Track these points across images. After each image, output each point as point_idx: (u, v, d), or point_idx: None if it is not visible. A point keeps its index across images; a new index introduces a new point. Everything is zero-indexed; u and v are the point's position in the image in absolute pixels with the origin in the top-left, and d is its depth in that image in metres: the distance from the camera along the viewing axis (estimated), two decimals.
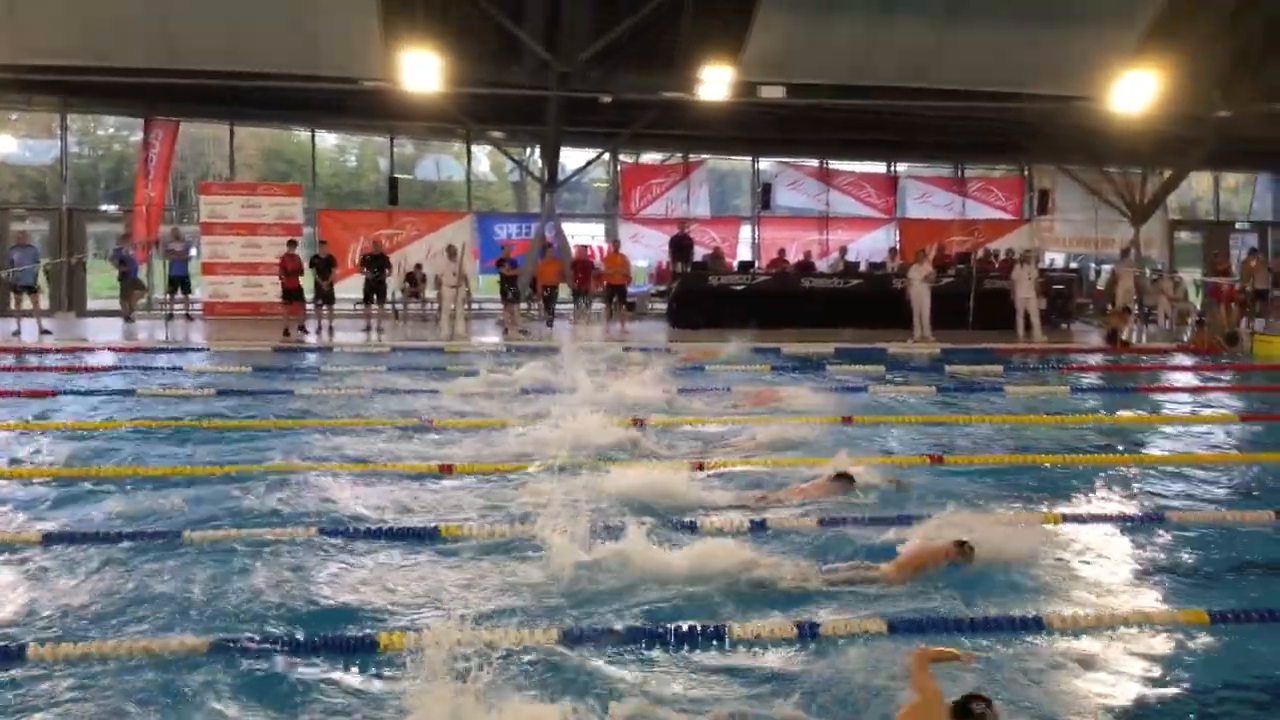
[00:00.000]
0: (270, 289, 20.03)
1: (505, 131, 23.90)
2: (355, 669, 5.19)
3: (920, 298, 18.83)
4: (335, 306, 19.19)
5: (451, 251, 19.09)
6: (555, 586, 6.22)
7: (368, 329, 19.33)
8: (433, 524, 7.34)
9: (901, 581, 6.29)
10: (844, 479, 8.17)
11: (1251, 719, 5.13)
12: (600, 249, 23.42)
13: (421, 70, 18.42)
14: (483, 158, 28.26)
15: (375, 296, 19.51)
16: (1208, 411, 13.10)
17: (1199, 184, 26.99)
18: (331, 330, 18.92)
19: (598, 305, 21.47)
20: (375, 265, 19.58)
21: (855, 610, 5.97)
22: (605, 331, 19.40)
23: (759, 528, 7.38)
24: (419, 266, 22.08)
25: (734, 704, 4.92)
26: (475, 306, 20.31)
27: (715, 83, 19.03)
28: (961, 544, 6.48)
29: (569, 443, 9.32)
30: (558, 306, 21.25)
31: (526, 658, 5.26)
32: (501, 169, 28.83)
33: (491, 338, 18.87)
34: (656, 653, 5.44)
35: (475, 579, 6.42)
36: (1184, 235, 26.97)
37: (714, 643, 5.55)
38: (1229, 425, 12.10)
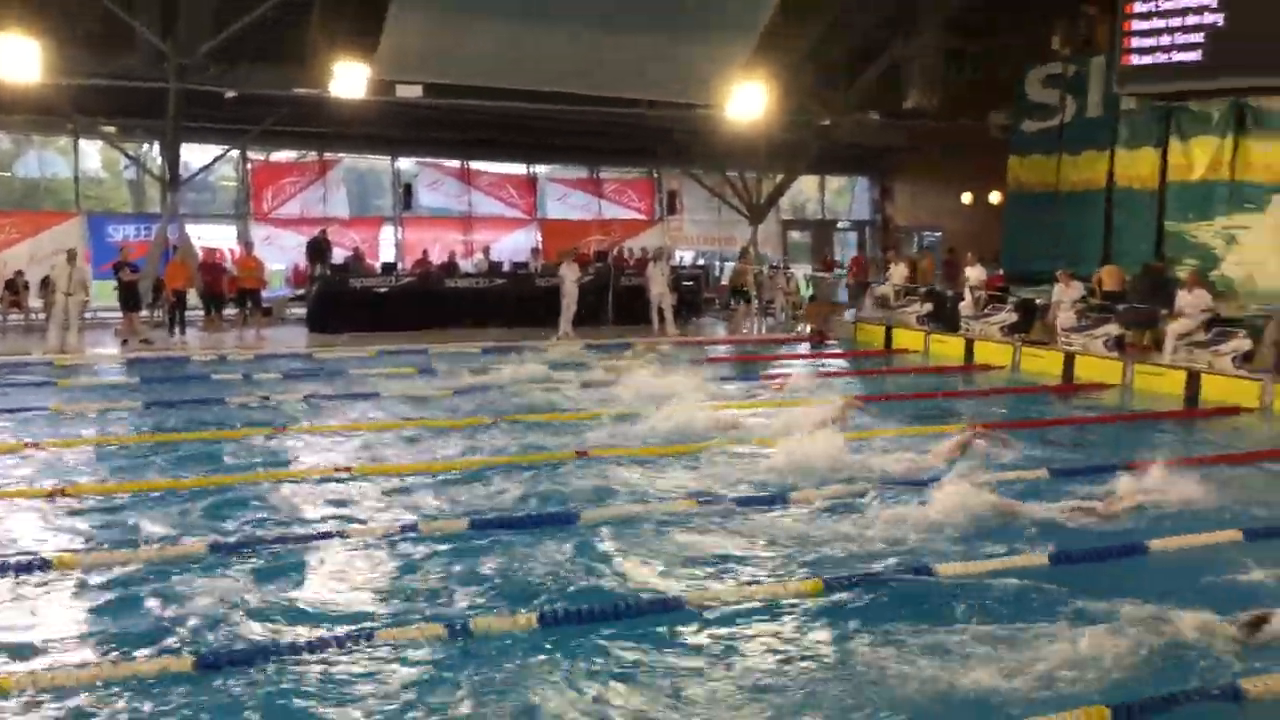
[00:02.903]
0: None
1: (119, 125, 22.13)
2: None
3: (571, 295, 19.43)
4: None
5: (71, 255, 17.45)
6: None
7: None
8: None
9: None
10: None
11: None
12: (231, 251, 22.24)
13: (18, 57, 16.65)
14: (93, 154, 25.93)
15: None
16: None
17: (807, 186, 29.48)
18: None
19: (230, 311, 20.37)
20: None
21: None
22: (239, 338, 18.46)
23: None
24: (20, 273, 20.04)
25: None
26: (90, 315, 18.64)
27: (349, 80, 18.58)
28: None
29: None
30: (187, 313, 19.92)
31: None
32: (115, 166, 26.56)
33: (109, 349, 17.46)
34: None
35: None
36: (795, 234, 29.41)
37: None
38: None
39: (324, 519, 8.20)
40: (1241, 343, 15.03)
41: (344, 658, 5.68)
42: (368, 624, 6.13)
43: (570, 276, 19.61)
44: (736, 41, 19.51)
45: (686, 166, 25.99)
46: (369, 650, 5.75)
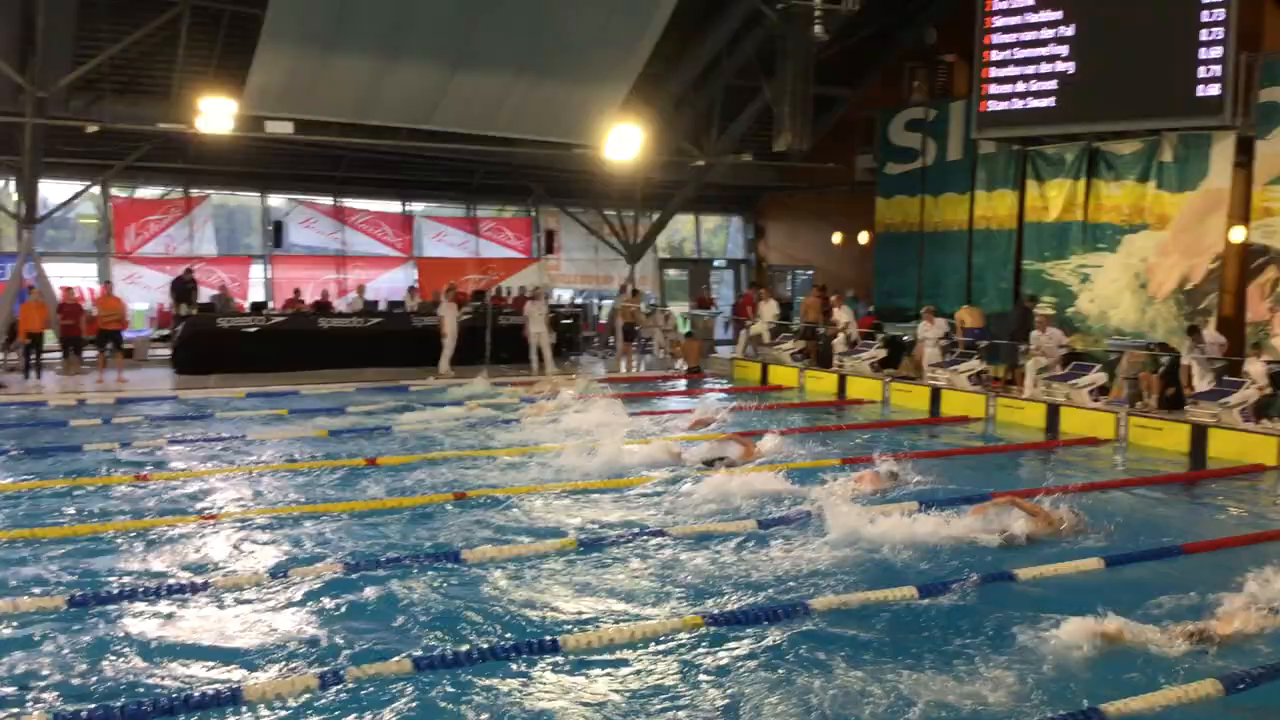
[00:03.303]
0: None
1: None
2: None
3: (452, 334, 19.28)
4: None
5: None
6: None
7: None
8: None
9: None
10: (893, 475, 10.57)
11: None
12: (91, 291, 21.41)
13: None
14: None
15: None
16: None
17: (684, 226, 29.88)
18: None
19: (90, 353, 19.56)
20: None
21: None
22: (100, 381, 17.75)
23: None
24: None
25: None
26: None
27: (216, 115, 18.14)
28: None
29: None
30: (44, 356, 19.05)
31: None
32: None
33: None
34: None
35: None
36: (672, 272, 29.74)
37: None
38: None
39: (191, 567, 7.93)
40: (1097, 377, 15.77)
41: (209, 715, 5.48)
42: (236, 677, 5.94)
43: (450, 315, 19.47)
44: (612, 84, 19.74)
45: (564, 205, 26.10)
46: (235, 706, 5.56)
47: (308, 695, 5.69)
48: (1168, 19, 16.30)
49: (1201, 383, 14.69)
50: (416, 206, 26.53)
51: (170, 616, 6.86)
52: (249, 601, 7.20)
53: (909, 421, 16.00)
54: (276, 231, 23.50)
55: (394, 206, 26.09)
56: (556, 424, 13.91)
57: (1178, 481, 12.41)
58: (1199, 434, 13.76)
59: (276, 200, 24.84)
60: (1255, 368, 14.16)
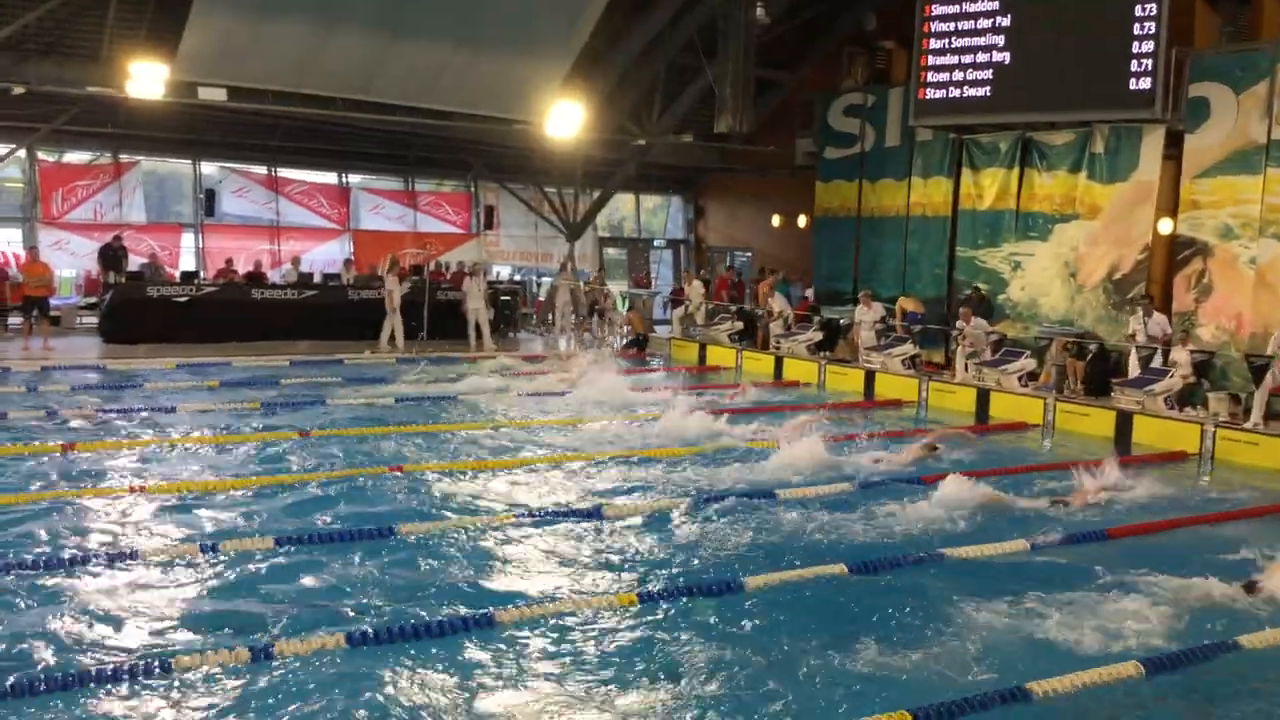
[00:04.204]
0: None
1: None
2: None
3: (399, 308, 19.19)
4: None
5: None
6: None
7: None
8: None
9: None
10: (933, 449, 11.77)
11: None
12: (16, 257, 20.84)
13: None
14: None
15: None
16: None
17: (624, 205, 29.83)
18: None
19: (15, 320, 19.07)
20: None
21: None
22: (25, 348, 17.32)
23: None
24: None
25: None
26: None
27: (147, 80, 17.70)
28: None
29: None
30: None
31: None
32: None
33: None
34: None
35: None
36: (612, 251, 29.71)
37: None
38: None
39: (117, 540, 7.80)
40: (1027, 363, 16.09)
41: (139, 688, 5.42)
42: (164, 651, 5.86)
43: (396, 289, 19.35)
44: (553, 60, 19.62)
45: (503, 180, 25.92)
46: (166, 679, 5.50)
47: (239, 669, 5.65)
48: (1102, 13, 16.57)
49: (1137, 360, 15.09)
50: (353, 178, 26.16)
51: (98, 589, 6.75)
52: (179, 575, 7.11)
53: (844, 405, 16.17)
54: (209, 200, 23.06)
55: (330, 178, 25.71)
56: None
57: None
58: (1124, 420, 14.11)
59: (209, 168, 24.33)
60: (1181, 356, 14.52)
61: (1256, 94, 15.38)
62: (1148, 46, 15.98)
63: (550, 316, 23.63)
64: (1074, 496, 9.99)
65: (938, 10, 18.55)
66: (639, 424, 12.94)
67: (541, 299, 25.51)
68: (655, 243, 30.07)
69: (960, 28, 18.29)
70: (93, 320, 20.03)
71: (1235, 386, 14.69)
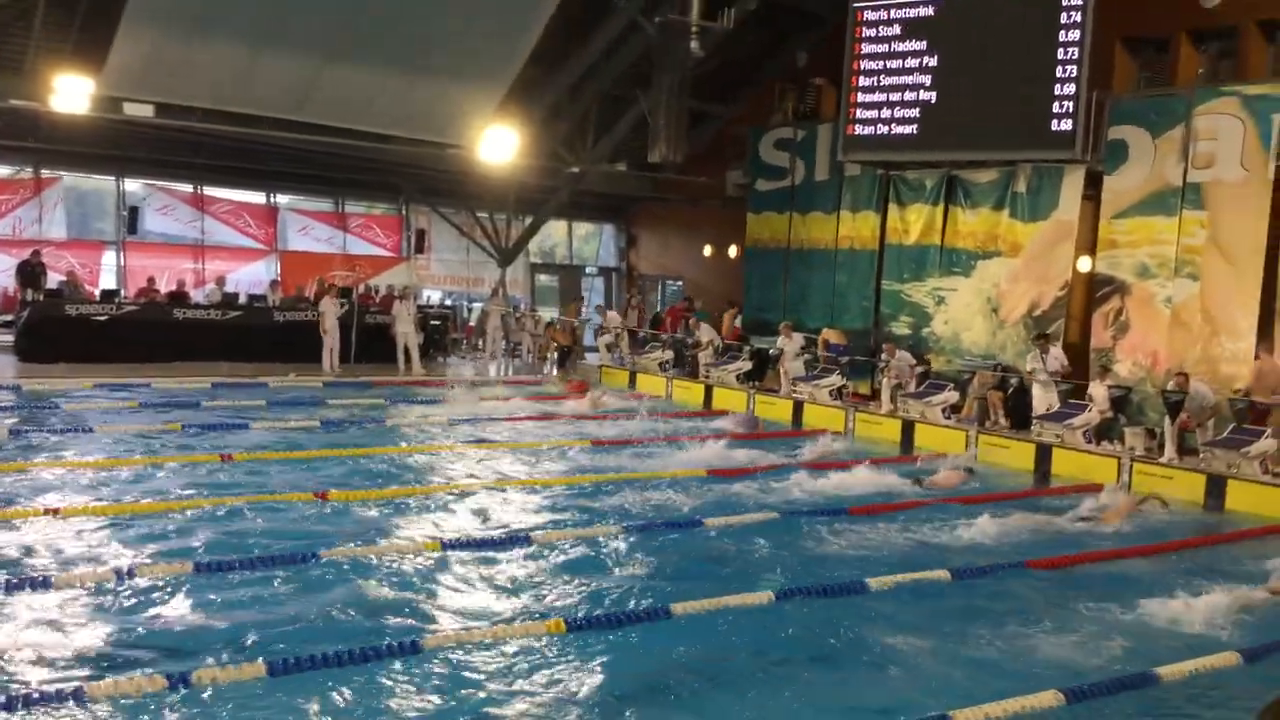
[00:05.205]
0: None
1: None
2: None
3: (333, 331, 18.95)
4: None
5: None
6: None
7: None
8: None
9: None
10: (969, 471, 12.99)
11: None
12: None
13: None
14: None
15: None
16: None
17: (556, 231, 29.86)
18: None
19: None
20: None
21: None
22: None
23: None
24: None
25: None
26: None
27: (71, 94, 17.35)
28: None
29: None
30: None
31: None
32: None
33: None
34: None
35: None
36: (543, 277, 29.71)
37: None
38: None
39: (30, 565, 7.57)
40: (949, 395, 16.39)
41: (50, 718, 5.25)
42: (77, 679, 5.69)
43: (331, 311, 19.13)
44: (488, 85, 19.62)
45: (435, 204, 25.81)
46: (80, 708, 5.34)
47: (155, 696, 5.51)
48: (1025, 55, 17.03)
49: (1045, 396, 15.43)
50: (282, 199, 25.85)
51: (8, 615, 6.55)
52: (94, 600, 6.93)
53: (773, 434, 16.29)
54: (131, 217, 22.64)
55: (258, 197, 25.37)
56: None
57: (1021, 499, 12.95)
58: (1044, 453, 14.42)
59: (133, 185, 23.88)
60: (1099, 391, 14.89)
61: (1172, 138, 15.92)
62: (1069, 89, 16.45)
63: (480, 342, 23.54)
64: (1105, 515, 11.16)
65: (867, 49, 18.92)
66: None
67: (472, 324, 25.39)
68: (587, 270, 30.13)
69: (889, 66, 18.66)
70: (8, 338, 19.48)
71: (1151, 421, 15.09)
